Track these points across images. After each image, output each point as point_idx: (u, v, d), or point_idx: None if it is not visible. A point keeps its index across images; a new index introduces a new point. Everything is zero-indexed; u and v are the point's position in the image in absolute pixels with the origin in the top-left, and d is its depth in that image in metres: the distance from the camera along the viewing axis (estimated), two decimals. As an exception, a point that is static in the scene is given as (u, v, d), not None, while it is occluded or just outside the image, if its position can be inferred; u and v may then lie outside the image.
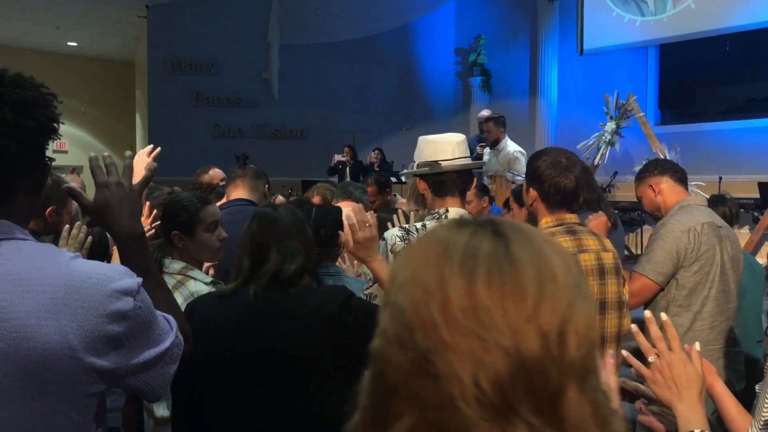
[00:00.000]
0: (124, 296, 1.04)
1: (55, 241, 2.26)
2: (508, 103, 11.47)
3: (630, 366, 1.32)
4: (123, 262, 1.25)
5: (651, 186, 2.86)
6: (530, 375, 0.58)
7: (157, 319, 1.12)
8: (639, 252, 8.03)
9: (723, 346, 2.68)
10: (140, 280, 1.09)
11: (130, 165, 1.33)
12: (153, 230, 2.41)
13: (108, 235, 2.63)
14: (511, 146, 5.78)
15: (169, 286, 1.63)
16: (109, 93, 14.70)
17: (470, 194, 3.30)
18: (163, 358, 1.12)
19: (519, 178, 5.19)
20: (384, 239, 2.23)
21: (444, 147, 2.32)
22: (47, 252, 1.06)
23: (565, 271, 0.62)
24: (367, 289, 1.98)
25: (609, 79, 10.21)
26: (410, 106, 12.62)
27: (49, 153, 1.13)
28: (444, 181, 2.30)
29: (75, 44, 13.66)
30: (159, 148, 1.97)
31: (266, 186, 3.16)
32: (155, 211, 2.49)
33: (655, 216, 2.94)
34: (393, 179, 6.13)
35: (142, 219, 1.95)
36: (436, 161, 2.30)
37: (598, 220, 2.44)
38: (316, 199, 3.66)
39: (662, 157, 7.34)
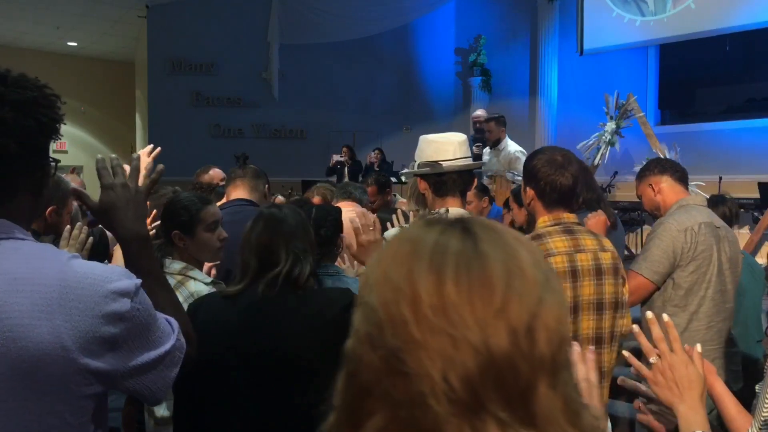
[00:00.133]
0: (120, 297, 1.03)
1: (56, 242, 2.25)
2: (508, 103, 11.46)
3: (630, 366, 1.32)
4: (127, 264, 1.24)
5: (651, 185, 2.85)
6: (500, 371, 0.57)
7: (157, 322, 1.11)
8: (639, 252, 8.00)
9: (720, 346, 2.67)
10: (139, 281, 1.08)
11: (136, 167, 1.32)
12: (153, 230, 2.41)
13: (108, 236, 2.64)
14: (511, 146, 5.78)
15: (170, 286, 1.63)
16: (109, 93, 14.68)
17: (470, 194, 3.30)
18: (163, 361, 1.10)
19: (519, 178, 5.18)
20: (384, 239, 2.22)
21: (445, 147, 2.32)
22: (45, 252, 1.06)
23: (533, 267, 0.62)
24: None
25: (609, 79, 10.19)
26: (410, 106, 12.60)
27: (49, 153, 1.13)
28: (445, 181, 2.29)
29: (75, 44, 13.65)
30: (159, 148, 1.96)
31: (266, 186, 3.16)
32: (155, 211, 2.49)
33: (654, 215, 2.94)
34: (393, 179, 6.13)
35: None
36: (437, 161, 2.30)
37: (596, 219, 2.43)
38: (316, 199, 3.67)
39: (662, 157, 7.34)
